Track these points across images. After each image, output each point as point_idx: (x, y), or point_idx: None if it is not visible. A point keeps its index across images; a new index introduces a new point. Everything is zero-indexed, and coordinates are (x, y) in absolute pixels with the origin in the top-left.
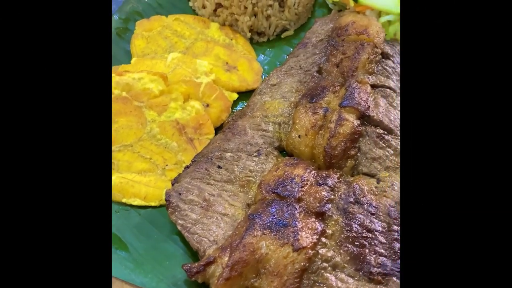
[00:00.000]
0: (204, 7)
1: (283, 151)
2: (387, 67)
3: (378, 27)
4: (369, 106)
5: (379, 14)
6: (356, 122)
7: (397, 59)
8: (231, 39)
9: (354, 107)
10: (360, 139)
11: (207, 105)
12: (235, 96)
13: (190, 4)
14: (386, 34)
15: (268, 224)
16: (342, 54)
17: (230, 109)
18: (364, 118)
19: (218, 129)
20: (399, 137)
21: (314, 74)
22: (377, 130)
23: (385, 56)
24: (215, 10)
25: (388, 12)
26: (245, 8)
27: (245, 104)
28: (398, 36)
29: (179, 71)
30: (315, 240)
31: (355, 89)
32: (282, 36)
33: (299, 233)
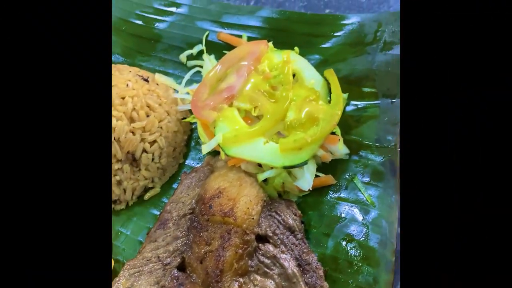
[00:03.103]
0: None
1: None
2: (265, 259)
3: (248, 200)
4: None
5: (259, 165)
6: None
7: (280, 235)
8: None
9: None
10: None
11: None
12: None
13: None
14: (267, 197)
15: None
16: (206, 245)
17: None
18: None
19: None
20: None
21: (174, 273)
22: None
23: (263, 238)
24: None
25: (270, 165)
26: None
27: None
28: (287, 187)
29: None
30: None
31: None
32: (146, 197)
33: None
